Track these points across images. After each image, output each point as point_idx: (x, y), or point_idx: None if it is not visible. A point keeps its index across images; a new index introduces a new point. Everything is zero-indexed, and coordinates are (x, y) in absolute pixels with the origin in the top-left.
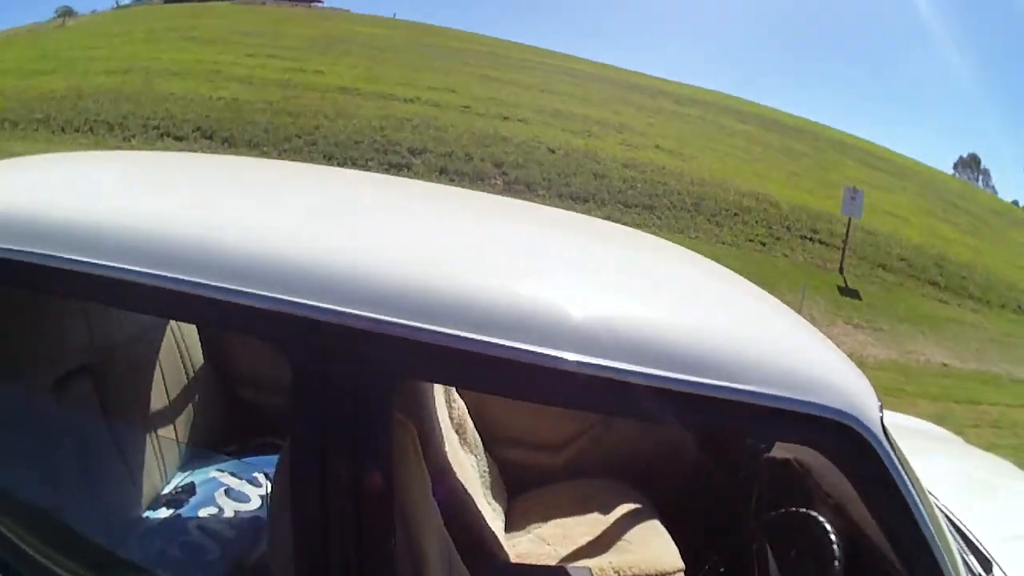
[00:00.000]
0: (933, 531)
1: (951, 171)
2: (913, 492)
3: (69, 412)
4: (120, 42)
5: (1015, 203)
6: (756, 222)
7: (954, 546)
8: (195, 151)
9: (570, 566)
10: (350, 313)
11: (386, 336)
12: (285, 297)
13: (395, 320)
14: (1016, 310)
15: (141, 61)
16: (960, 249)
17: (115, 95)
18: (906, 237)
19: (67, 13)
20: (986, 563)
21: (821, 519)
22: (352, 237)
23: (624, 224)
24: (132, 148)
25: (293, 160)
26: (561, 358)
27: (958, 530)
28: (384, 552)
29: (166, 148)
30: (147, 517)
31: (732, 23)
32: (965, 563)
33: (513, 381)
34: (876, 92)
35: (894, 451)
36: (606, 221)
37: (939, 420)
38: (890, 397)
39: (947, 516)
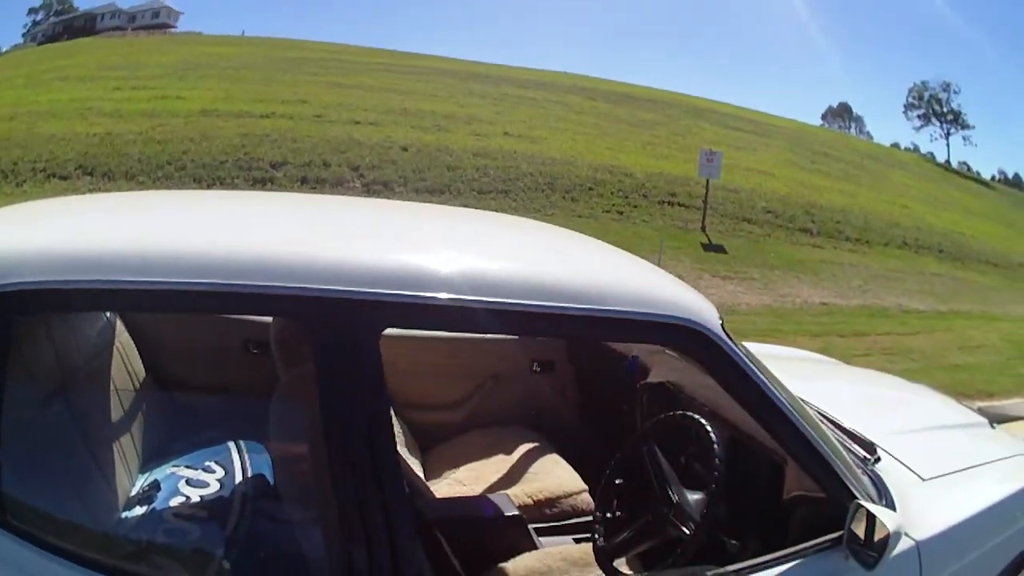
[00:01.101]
0: (787, 404)
1: (820, 123)
2: (759, 374)
3: (48, 432)
4: (2, 89)
5: (895, 145)
6: (612, 193)
7: (818, 418)
8: (79, 188)
9: (490, 495)
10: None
11: (362, 301)
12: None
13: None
14: (901, 245)
15: (24, 106)
16: (833, 195)
17: (4, 142)
18: (772, 190)
19: None
20: (870, 448)
21: (697, 416)
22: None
23: (482, 209)
24: (25, 193)
25: (166, 186)
26: (482, 300)
27: (839, 427)
28: (390, 470)
29: (53, 189)
30: (126, 517)
31: (573, 2)
32: (847, 448)
33: (455, 320)
34: (732, 56)
35: (737, 347)
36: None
37: (821, 352)
38: (767, 337)
39: (825, 416)
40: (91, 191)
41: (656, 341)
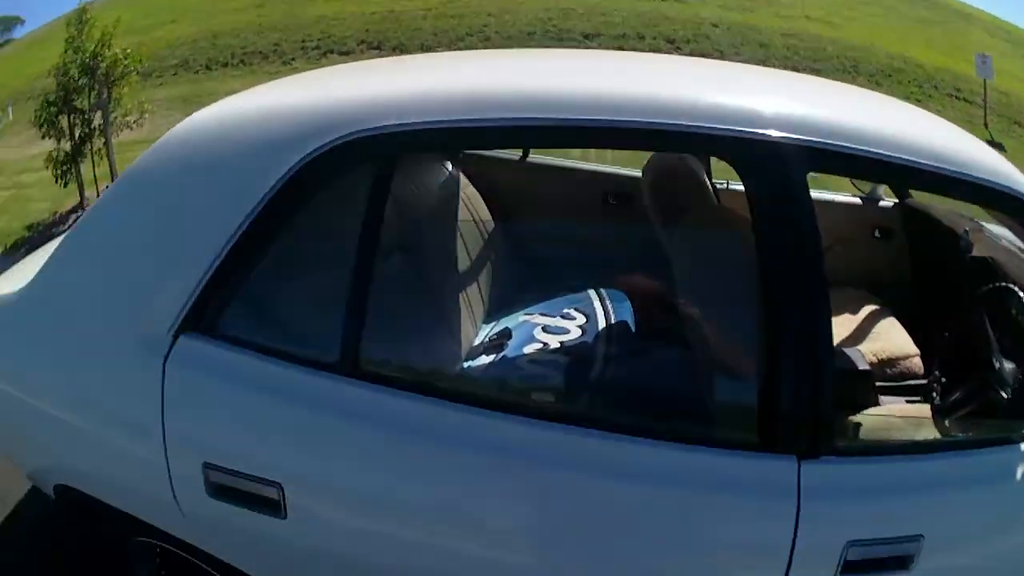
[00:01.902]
0: None
1: None
2: None
3: (392, 284)
4: None
5: None
6: (908, 82)
7: None
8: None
9: (846, 349)
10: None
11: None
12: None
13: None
14: None
15: None
16: None
17: (257, 28)
18: None
19: None
20: None
21: (1015, 288)
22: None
23: None
24: (295, 69)
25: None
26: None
27: None
28: (822, 307)
29: (332, 63)
30: (468, 367)
31: None
32: None
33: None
34: None
35: None
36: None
37: None
38: None
39: None
40: None
41: (974, 201)
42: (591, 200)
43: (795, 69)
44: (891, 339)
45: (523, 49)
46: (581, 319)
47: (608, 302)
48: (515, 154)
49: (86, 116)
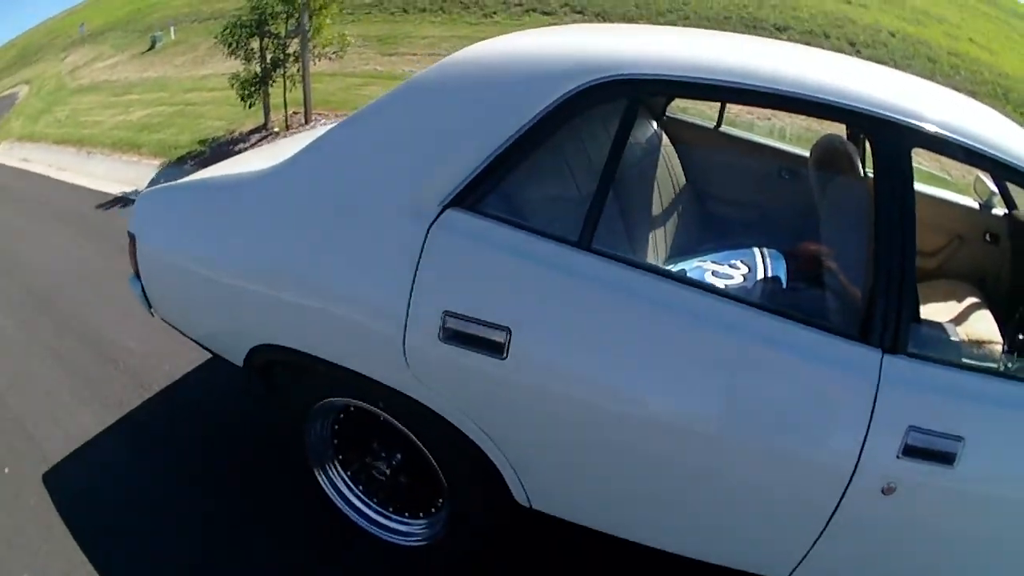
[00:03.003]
0: None
1: None
2: None
3: (611, 207)
4: None
5: None
6: None
7: None
8: (564, 23)
9: (944, 322)
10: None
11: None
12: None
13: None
14: None
15: None
16: None
17: None
18: None
19: None
20: None
21: None
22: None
23: None
24: (496, 23)
25: None
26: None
27: None
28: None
29: (534, 23)
30: None
31: None
32: None
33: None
34: None
35: None
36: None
37: None
38: None
39: None
40: None
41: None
42: (767, 172)
43: (955, 88)
44: (984, 326)
45: (727, 32)
46: (744, 269)
47: (768, 259)
48: (711, 123)
49: (282, 41)
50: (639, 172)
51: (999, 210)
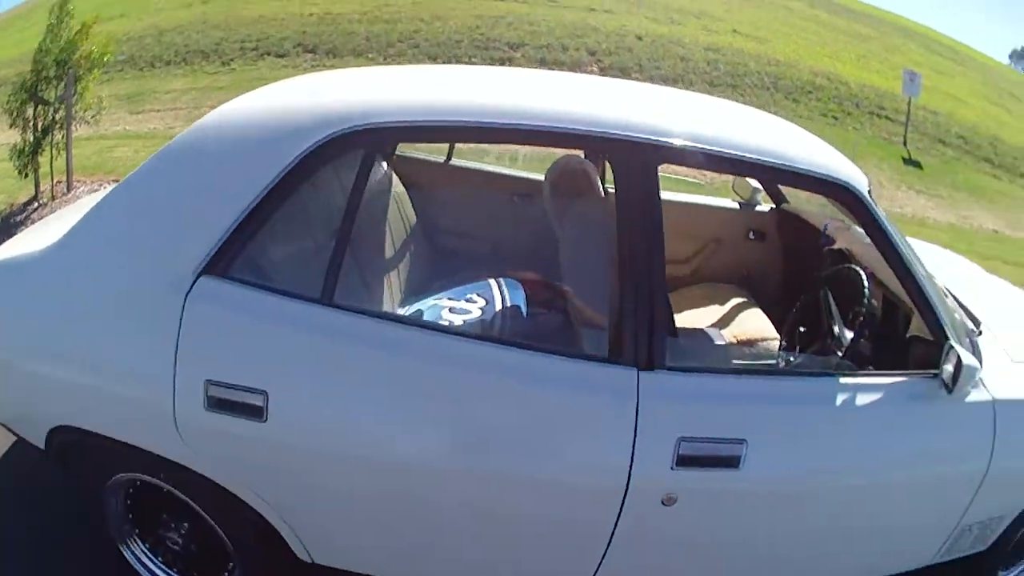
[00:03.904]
0: (910, 257)
1: (1007, 62)
2: (891, 229)
3: (350, 255)
4: None
5: None
6: (829, 99)
7: (941, 287)
8: (300, 65)
9: (706, 328)
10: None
11: (641, 142)
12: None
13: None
14: None
15: None
16: (1014, 133)
17: (200, 25)
18: (963, 117)
19: None
20: (976, 322)
21: (858, 268)
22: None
23: None
24: (233, 71)
25: (399, 63)
26: (722, 150)
27: (957, 301)
28: (659, 260)
29: (269, 66)
30: None
31: None
32: (960, 317)
33: (697, 162)
34: None
35: (878, 208)
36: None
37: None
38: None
39: (948, 290)
40: (314, 69)
41: (822, 192)
42: (499, 200)
43: (713, 84)
44: (753, 324)
45: (476, 67)
46: (482, 302)
47: (505, 289)
48: (440, 157)
49: (54, 107)
50: (371, 217)
51: (765, 207)
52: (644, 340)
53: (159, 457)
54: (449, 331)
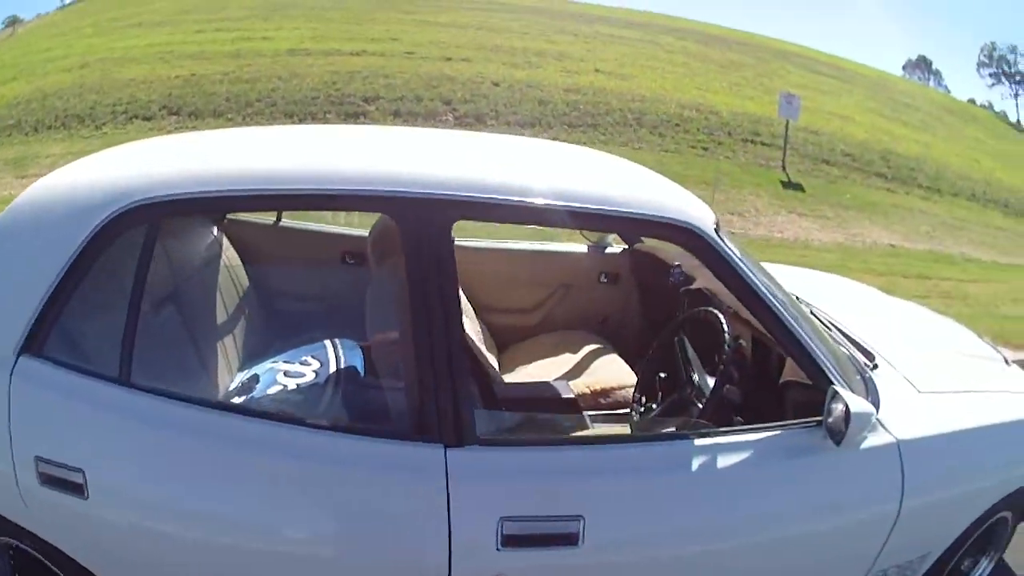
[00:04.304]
0: (772, 297)
1: (901, 73)
2: (747, 268)
3: (163, 330)
4: (71, 39)
5: (971, 101)
6: (697, 130)
7: (825, 321)
8: (164, 128)
9: (552, 381)
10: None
11: (441, 200)
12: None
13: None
14: (970, 197)
15: (95, 53)
16: (909, 144)
17: (78, 88)
18: (851, 135)
19: (15, 22)
20: (869, 355)
21: (716, 311)
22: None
23: (571, 142)
24: (105, 135)
25: (256, 123)
26: (533, 202)
27: (842, 332)
28: (456, 328)
29: (137, 129)
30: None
31: None
32: (843, 347)
33: (511, 216)
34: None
35: (728, 245)
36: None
37: (885, 291)
38: (835, 272)
39: (829, 321)
40: (177, 130)
41: (659, 237)
42: (332, 259)
43: (572, 125)
44: (608, 372)
45: (275, 127)
46: (316, 364)
47: (341, 350)
48: (270, 218)
49: None
50: (200, 284)
51: (617, 248)
52: (449, 414)
53: (16, 524)
54: (244, 411)
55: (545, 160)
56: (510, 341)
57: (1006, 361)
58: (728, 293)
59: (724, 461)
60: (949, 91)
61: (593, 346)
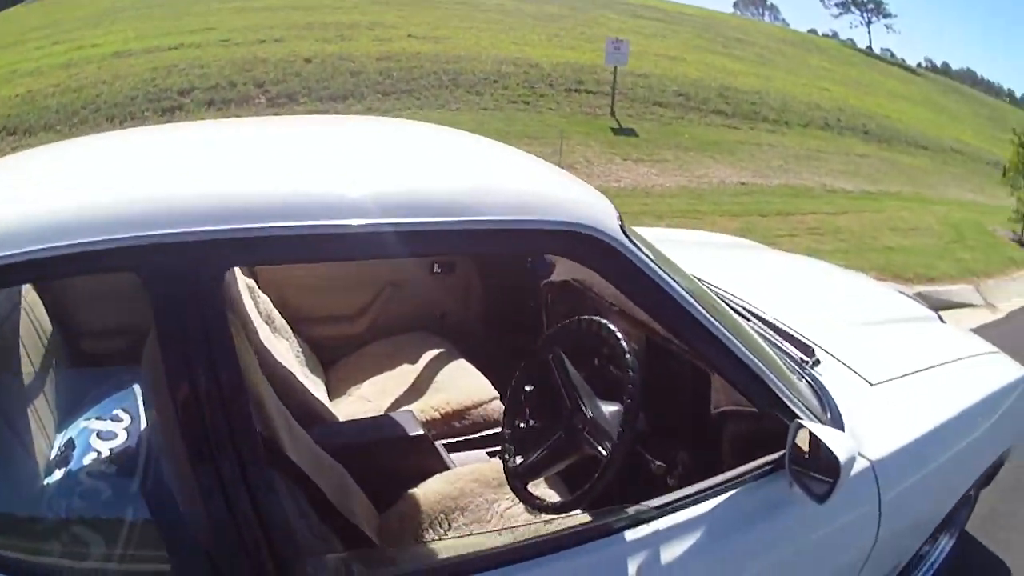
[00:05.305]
0: (705, 311)
1: (732, 11)
2: (668, 279)
3: None
4: None
5: (812, 31)
6: (517, 85)
7: (745, 320)
8: (3, 149)
9: (393, 413)
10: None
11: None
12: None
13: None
14: (823, 127)
15: None
16: (747, 79)
17: None
18: (683, 74)
19: None
20: (807, 350)
21: (605, 322)
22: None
23: (385, 110)
24: None
25: (81, 131)
26: (347, 224)
27: (770, 325)
28: (242, 421)
29: None
30: (47, 484)
31: None
32: (782, 352)
33: (315, 250)
34: None
35: (640, 250)
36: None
37: (742, 234)
38: (685, 219)
39: (753, 314)
40: (14, 150)
41: (547, 251)
42: (136, 292)
43: (386, 93)
44: (458, 386)
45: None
46: (127, 420)
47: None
48: None
49: None
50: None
51: None
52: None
53: None
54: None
55: (362, 150)
56: (338, 355)
57: (940, 317)
58: (608, 285)
59: (668, 554)
60: (788, 24)
61: (435, 351)
